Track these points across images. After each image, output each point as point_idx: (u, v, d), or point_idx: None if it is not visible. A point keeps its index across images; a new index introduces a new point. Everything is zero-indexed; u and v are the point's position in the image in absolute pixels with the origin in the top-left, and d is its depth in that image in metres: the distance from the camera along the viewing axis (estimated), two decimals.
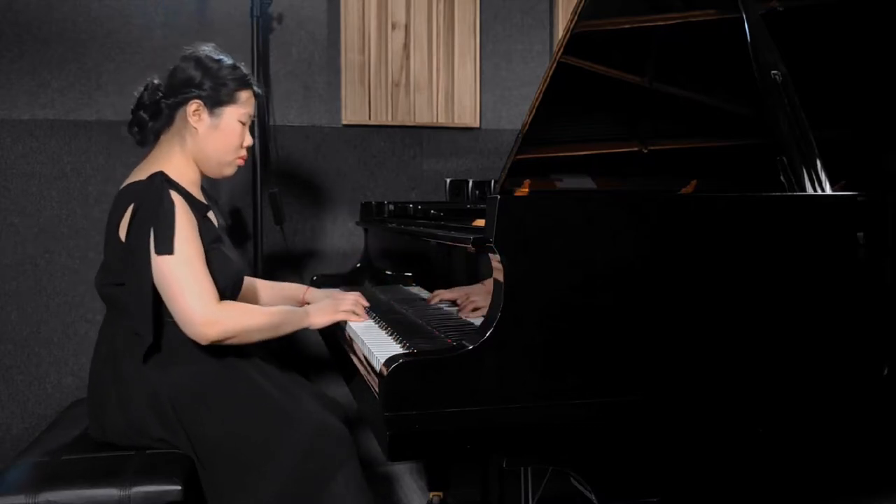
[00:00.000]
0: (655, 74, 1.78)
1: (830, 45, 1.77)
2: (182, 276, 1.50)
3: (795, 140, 1.59)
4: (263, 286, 1.99)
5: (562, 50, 1.64)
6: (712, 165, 1.81)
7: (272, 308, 1.70)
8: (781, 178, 1.58)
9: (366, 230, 2.50)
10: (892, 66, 1.76)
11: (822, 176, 1.56)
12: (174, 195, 1.53)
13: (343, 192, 2.66)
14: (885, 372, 1.43)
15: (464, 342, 1.20)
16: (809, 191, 1.55)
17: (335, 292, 2.03)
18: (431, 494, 2.26)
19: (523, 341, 1.21)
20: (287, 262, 2.57)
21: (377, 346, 1.45)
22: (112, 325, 1.60)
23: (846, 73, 1.76)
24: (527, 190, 1.75)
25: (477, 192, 2.52)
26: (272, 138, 2.55)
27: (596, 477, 1.37)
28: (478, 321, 1.41)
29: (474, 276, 1.59)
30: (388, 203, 2.41)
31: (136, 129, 1.67)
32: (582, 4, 1.63)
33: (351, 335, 1.64)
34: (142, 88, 1.67)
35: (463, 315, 1.60)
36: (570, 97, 1.72)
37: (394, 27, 2.68)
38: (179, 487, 1.43)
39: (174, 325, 1.54)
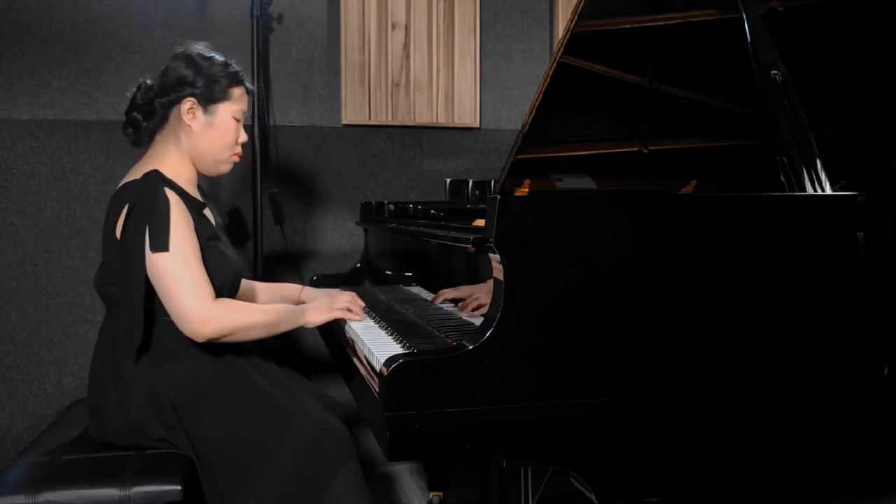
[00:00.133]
0: (655, 74, 1.78)
1: (830, 45, 1.77)
2: (178, 274, 1.50)
3: (795, 140, 1.59)
4: (260, 288, 1.99)
5: (562, 50, 1.64)
6: (712, 165, 1.81)
7: (268, 306, 1.70)
8: (781, 178, 1.58)
9: (366, 230, 2.50)
10: (892, 66, 1.76)
11: (822, 176, 1.56)
12: (169, 193, 1.54)
13: (343, 192, 2.66)
14: (885, 372, 1.43)
15: (464, 342, 1.20)
16: (809, 191, 1.55)
17: (332, 291, 2.03)
18: (431, 494, 2.26)
19: (523, 341, 1.21)
20: (287, 262, 2.57)
21: (377, 346, 1.45)
22: (112, 325, 1.60)
23: (846, 73, 1.76)
24: (527, 190, 1.75)
25: (477, 192, 2.52)
26: (272, 138, 2.55)
27: (596, 477, 1.37)
28: (478, 321, 1.41)
29: (474, 276, 1.59)
30: (388, 203, 2.41)
31: (130, 130, 1.67)
32: (582, 4, 1.63)
33: (351, 335, 1.64)
34: (134, 89, 1.67)
35: (464, 314, 1.60)
36: (570, 97, 1.72)
37: (394, 27, 2.68)
38: (179, 487, 1.43)
39: (170, 323, 1.54)
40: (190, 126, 1.64)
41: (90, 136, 2.38)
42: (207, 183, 2.42)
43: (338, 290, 2.10)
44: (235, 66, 1.70)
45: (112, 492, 1.40)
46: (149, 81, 1.66)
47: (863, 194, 1.45)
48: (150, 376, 1.54)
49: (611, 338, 1.26)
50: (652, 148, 1.81)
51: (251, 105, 2.36)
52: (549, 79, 1.64)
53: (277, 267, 2.55)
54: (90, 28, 2.38)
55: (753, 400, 1.36)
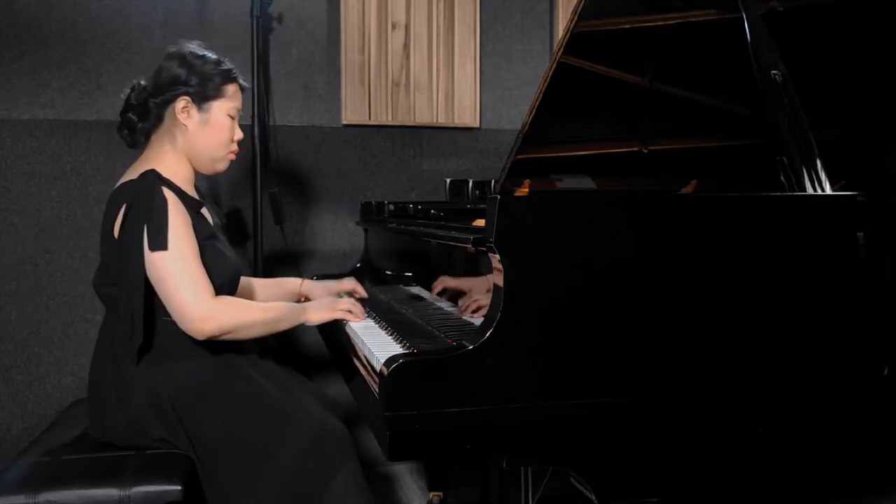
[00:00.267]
0: (655, 74, 1.78)
1: (830, 45, 1.77)
2: (177, 272, 1.50)
3: (795, 140, 1.59)
4: (260, 284, 2.00)
5: (562, 50, 1.64)
6: (712, 165, 1.81)
7: (269, 303, 1.70)
8: (781, 178, 1.58)
9: (366, 230, 2.50)
10: (892, 66, 1.76)
11: (822, 176, 1.56)
12: (166, 191, 1.54)
13: (343, 192, 2.65)
14: (885, 372, 1.43)
15: (464, 342, 1.20)
16: (809, 191, 1.55)
17: (330, 283, 2.03)
18: (431, 494, 2.26)
19: (523, 341, 1.21)
20: (287, 262, 2.57)
21: (377, 346, 1.45)
22: (112, 325, 1.60)
23: (846, 73, 1.76)
24: (527, 190, 1.75)
25: (477, 192, 2.51)
26: (272, 138, 2.55)
27: (596, 477, 1.37)
28: (478, 321, 1.41)
29: (474, 276, 1.59)
30: (388, 203, 2.41)
31: (126, 131, 1.67)
32: (582, 4, 1.63)
33: (351, 335, 1.64)
34: (128, 90, 1.67)
35: (465, 315, 1.60)
36: (570, 97, 1.72)
37: (394, 27, 2.68)
38: (179, 487, 1.43)
39: (169, 322, 1.54)
40: (185, 125, 1.64)
41: (90, 136, 2.38)
42: (207, 183, 2.43)
43: (333, 280, 2.09)
44: (228, 64, 1.70)
45: (112, 492, 1.40)
46: (143, 82, 1.66)
47: (863, 194, 1.45)
48: (150, 376, 1.54)
49: (611, 338, 1.26)
50: (652, 148, 1.81)
51: (251, 105, 2.37)
52: (549, 79, 1.64)
53: (277, 267, 2.55)
54: (90, 28, 2.38)
55: (753, 400, 1.36)
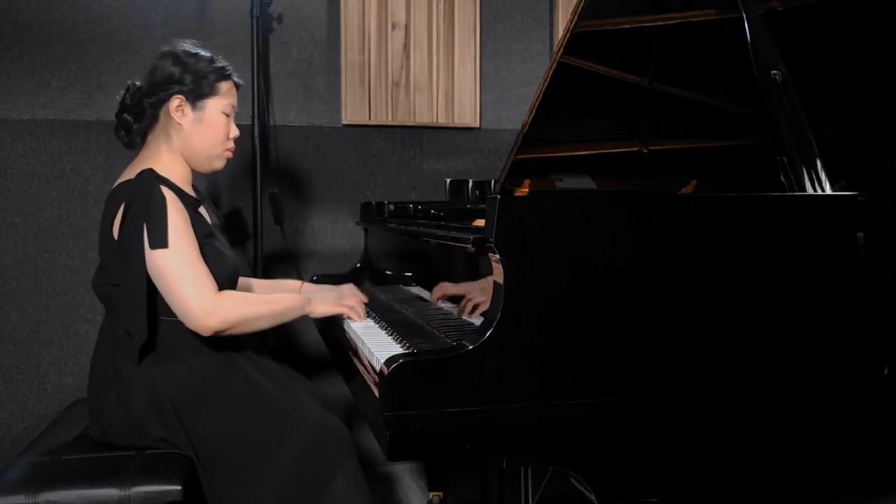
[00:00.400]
0: (655, 74, 1.78)
1: (830, 45, 1.77)
2: (178, 269, 1.50)
3: (795, 140, 1.59)
4: (259, 285, 2.00)
5: (562, 50, 1.64)
6: (712, 165, 1.81)
7: (273, 296, 1.70)
8: (781, 178, 1.58)
9: (366, 230, 2.50)
10: (892, 66, 1.76)
11: (822, 176, 1.56)
12: (165, 190, 1.54)
13: (343, 192, 2.65)
14: (886, 372, 1.43)
15: (464, 342, 1.20)
16: (809, 191, 1.55)
17: (330, 287, 2.03)
18: (431, 494, 2.26)
19: (523, 341, 1.21)
20: (287, 262, 2.57)
21: (377, 346, 1.45)
22: (111, 325, 1.60)
23: (846, 73, 1.76)
24: (527, 190, 1.75)
25: (477, 192, 2.51)
26: (272, 138, 2.55)
27: (596, 477, 1.37)
28: (478, 321, 1.41)
29: (474, 276, 1.59)
30: (388, 203, 2.41)
31: (122, 132, 1.67)
32: (582, 4, 1.63)
33: (351, 335, 1.64)
34: (123, 91, 1.67)
35: (463, 315, 1.60)
36: (570, 97, 1.72)
37: (394, 27, 2.68)
38: (179, 487, 1.43)
39: (169, 322, 1.54)
40: (180, 124, 1.64)
41: (90, 136, 2.38)
42: (207, 183, 2.43)
43: (332, 286, 2.09)
44: (222, 61, 1.69)
45: (112, 492, 1.40)
46: (137, 83, 1.66)
47: (863, 194, 1.45)
48: (150, 376, 1.54)
49: (611, 338, 1.26)
50: (652, 148, 1.81)
51: (251, 105, 2.37)
52: (549, 79, 1.64)
53: (277, 267, 2.55)
54: (90, 28, 2.38)
55: (753, 400, 1.36)
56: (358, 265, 2.47)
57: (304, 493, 1.46)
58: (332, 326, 1.86)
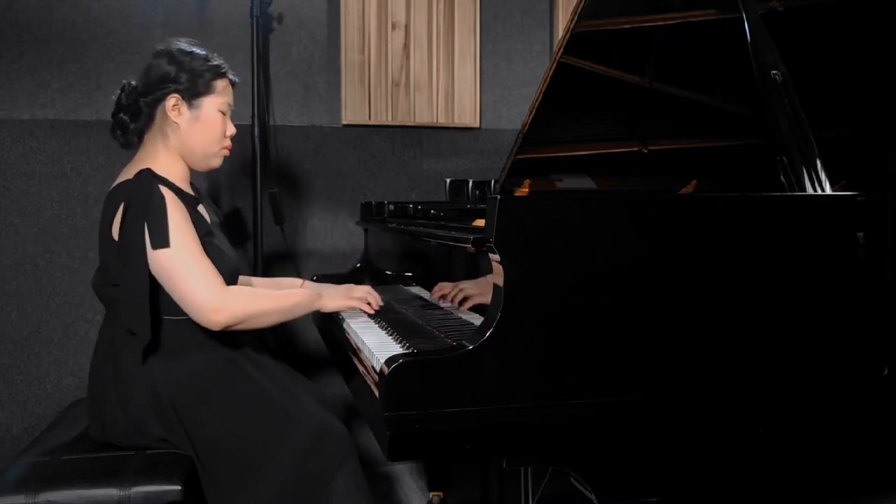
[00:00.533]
0: (655, 74, 1.78)
1: (830, 45, 1.77)
2: (184, 266, 1.50)
3: (795, 140, 1.59)
4: (260, 283, 1.99)
5: (562, 50, 1.64)
6: (712, 165, 1.81)
7: (282, 291, 1.70)
8: (781, 178, 1.58)
9: (366, 230, 2.50)
10: (893, 66, 1.76)
11: (822, 176, 1.56)
12: (163, 189, 1.53)
13: (343, 192, 2.66)
14: (885, 372, 1.43)
15: (464, 342, 1.20)
16: (809, 191, 1.55)
17: (330, 286, 2.03)
18: (431, 494, 2.26)
19: (523, 341, 1.21)
20: (287, 262, 2.57)
21: (377, 345, 1.45)
22: (111, 326, 1.60)
23: (846, 73, 1.76)
24: (527, 190, 1.75)
25: (477, 192, 2.51)
26: (272, 138, 2.55)
27: (596, 477, 1.37)
28: (478, 321, 1.41)
29: (474, 276, 1.59)
30: (388, 203, 2.41)
31: (118, 132, 1.67)
32: (582, 4, 1.63)
33: (351, 335, 1.64)
34: (119, 91, 1.66)
35: (462, 314, 1.60)
36: (570, 97, 1.72)
37: (394, 27, 2.68)
38: (179, 487, 1.43)
39: (172, 321, 1.55)
40: (176, 122, 1.64)
41: (90, 136, 2.38)
42: (207, 183, 2.43)
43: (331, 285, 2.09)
44: (218, 59, 1.69)
45: (112, 492, 1.40)
46: (133, 82, 1.66)
47: (863, 194, 1.45)
48: (150, 376, 1.53)
49: (611, 338, 1.26)
50: (652, 148, 1.81)
51: (251, 105, 2.37)
52: (549, 79, 1.64)
53: (277, 267, 2.55)
54: (90, 28, 2.38)
55: (753, 400, 1.36)
56: (358, 265, 2.47)
57: (304, 493, 1.46)
58: (332, 326, 1.86)
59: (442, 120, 2.74)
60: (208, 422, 1.51)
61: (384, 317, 1.75)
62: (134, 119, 1.65)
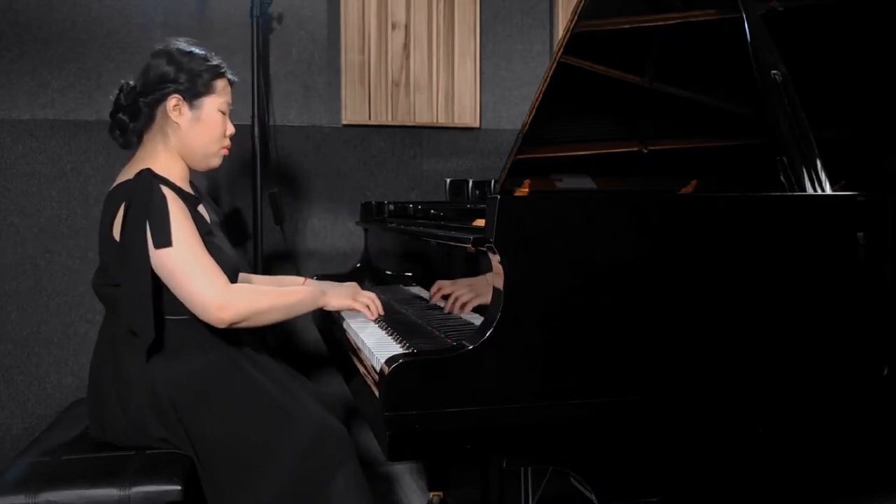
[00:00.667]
0: (655, 74, 1.78)
1: (830, 45, 1.77)
2: (187, 265, 1.50)
3: (795, 140, 1.59)
4: (261, 281, 2.00)
5: (562, 50, 1.64)
6: (712, 165, 1.81)
7: (287, 288, 1.70)
8: (781, 178, 1.58)
9: (366, 230, 2.50)
10: (893, 66, 1.76)
11: (822, 176, 1.56)
12: (164, 189, 1.54)
13: (343, 192, 2.66)
14: (885, 372, 1.43)
15: (464, 342, 1.20)
16: (809, 191, 1.55)
17: (334, 284, 2.03)
18: (431, 494, 2.26)
19: (523, 341, 1.21)
20: (287, 262, 2.57)
21: (377, 345, 1.45)
22: (112, 326, 1.60)
23: (846, 73, 1.76)
24: (527, 190, 1.75)
25: (477, 192, 2.51)
26: (272, 138, 2.55)
27: (596, 477, 1.37)
28: (478, 321, 1.41)
29: (474, 276, 1.59)
30: (388, 203, 2.41)
31: (117, 132, 1.67)
32: (582, 4, 1.63)
33: (351, 335, 1.64)
34: (117, 91, 1.66)
35: (462, 314, 1.60)
36: (570, 97, 1.72)
37: (394, 27, 2.68)
38: (179, 487, 1.43)
39: (173, 320, 1.55)
40: (177, 123, 1.64)
41: (90, 136, 2.39)
42: (207, 183, 2.43)
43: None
44: (216, 59, 1.69)
45: (112, 492, 1.40)
46: (131, 82, 1.66)
47: (863, 194, 1.45)
48: (150, 376, 1.53)
49: (611, 338, 1.26)
50: (652, 148, 1.81)
51: (251, 105, 2.37)
52: (549, 79, 1.64)
53: (277, 267, 2.55)
54: (90, 28, 2.38)
55: (753, 400, 1.36)
56: (358, 265, 2.47)
57: (304, 493, 1.46)
58: (332, 326, 1.86)
59: (442, 120, 2.74)
60: (208, 422, 1.51)
61: (384, 317, 1.75)
62: (133, 119, 1.65)
